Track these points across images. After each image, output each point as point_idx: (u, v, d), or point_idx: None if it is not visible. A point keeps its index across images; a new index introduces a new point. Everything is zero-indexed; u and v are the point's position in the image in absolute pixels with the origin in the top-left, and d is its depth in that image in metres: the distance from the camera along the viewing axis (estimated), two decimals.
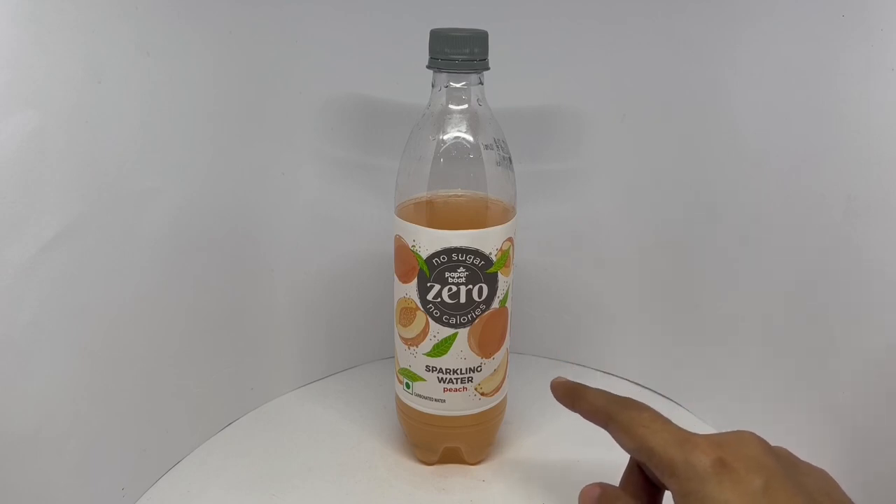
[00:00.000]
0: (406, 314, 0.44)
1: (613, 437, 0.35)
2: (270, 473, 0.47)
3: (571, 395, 0.38)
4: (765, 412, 0.47)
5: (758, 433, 0.33)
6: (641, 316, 0.56)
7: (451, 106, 0.42)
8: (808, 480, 0.32)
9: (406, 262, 0.43)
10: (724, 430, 0.34)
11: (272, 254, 0.51)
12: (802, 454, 0.34)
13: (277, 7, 0.47)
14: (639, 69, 0.51)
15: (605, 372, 0.59)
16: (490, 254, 0.42)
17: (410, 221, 0.42)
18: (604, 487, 0.36)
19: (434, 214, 0.43)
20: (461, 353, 0.44)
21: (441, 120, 0.42)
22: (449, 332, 0.43)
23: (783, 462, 0.32)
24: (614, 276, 0.57)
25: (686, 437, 0.32)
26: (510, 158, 0.44)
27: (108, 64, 0.37)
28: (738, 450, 0.31)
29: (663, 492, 0.36)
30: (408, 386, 0.46)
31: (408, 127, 0.44)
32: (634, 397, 0.37)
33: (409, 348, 0.45)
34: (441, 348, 0.44)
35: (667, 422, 0.34)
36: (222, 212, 0.47)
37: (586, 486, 0.36)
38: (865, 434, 0.41)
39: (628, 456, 0.37)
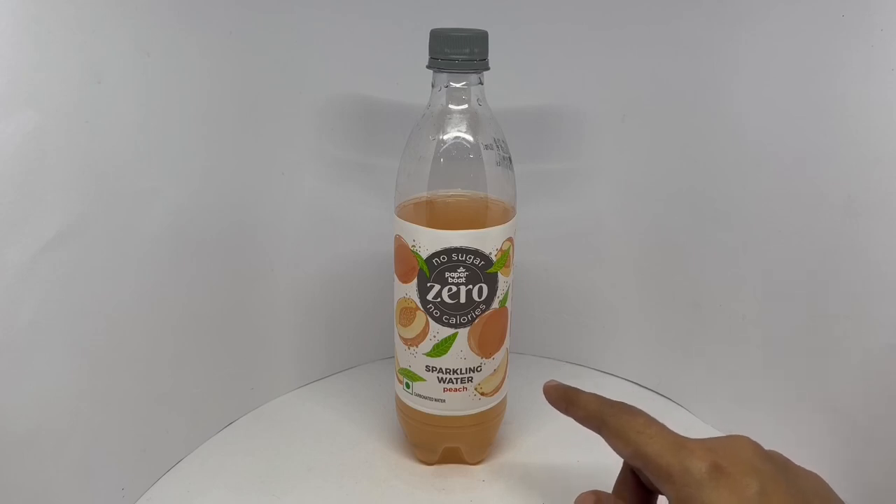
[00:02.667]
0: (406, 314, 0.44)
1: (607, 442, 0.35)
2: (270, 473, 0.47)
3: (564, 400, 0.38)
4: (765, 413, 0.47)
5: (757, 434, 0.33)
6: (641, 316, 0.56)
7: (451, 106, 0.42)
8: (803, 484, 0.32)
9: (406, 262, 0.43)
10: (724, 431, 0.34)
11: (272, 254, 0.51)
12: (802, 454, 0.34)
13: (277, 7, 0.47)
14: (639, 69, 0.51)
15: (604, 372, 0.59)
16: (490, 254, 0.42)
17: (410, 221, 0.42)
18: (598, 495, 0.36)
19: (434, 214, 0.43)
20: (461, 353, 0.44)
21: (441, 120, 0.42)
22: (449, 332, 0.43)
23: (777, 466, 0.32)
24: (614, 276, 0.57)
25: (681, 443, 0.32)
26: (510, 158, 0.44)
27: (108, 64, 0.37)
28: (733, 454, 0.31)
29: (657, 496, 0.36)
30: (408, 386, 0.46)
31: (408, 127, 0.44)
32: (634, 397, 0.36)
33: (409, 348, 0.45)
34: (441, 348, 0.44)
35: (661, 427, 0.34)
36: (222, 212, 0.47)
37: (581, 495, 0.36)
38: (865, 434, 0.41)
39: None
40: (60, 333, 0.36)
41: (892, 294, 0.39)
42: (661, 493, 0.33)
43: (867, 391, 0.41)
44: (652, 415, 0.35)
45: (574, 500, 0.36)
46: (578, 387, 0.39)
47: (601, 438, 0.36)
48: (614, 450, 0.35)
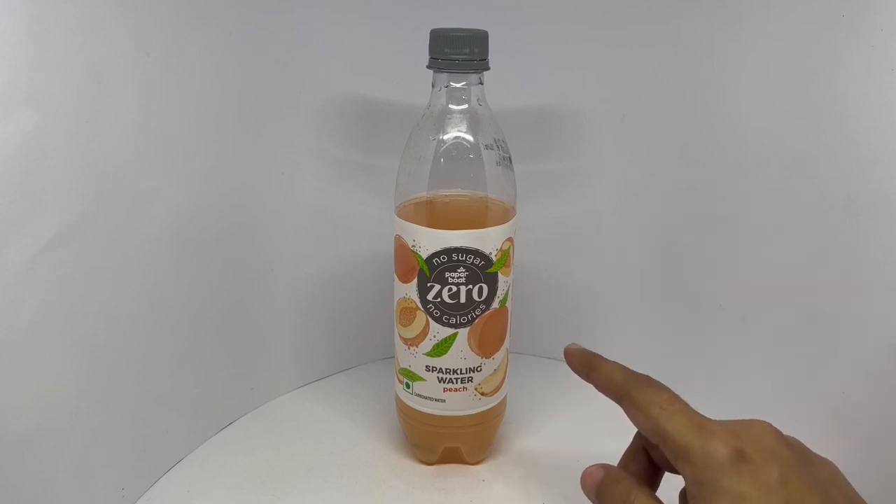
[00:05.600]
0: (406, 314, 0.44)
1: (627, 414, 0.34)
2: (270, 473, 0.47)
3: (587, 366, 0.37)
4: (765, 412, 0.47)
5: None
6: (642, 316, 0.56)
7: (451, 106, 0.42)
8: (821, 473, 0.32)
9: (406, 262, 0.43)
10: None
11: (272, 254, 0.51)
12: None
13: (277, 7, 0.47)
14: (639, 69, 0.51)
15: None
16: (490, 254, 0.42)
17: (410, 221, 0.42)
18: (606, 469, 0.35)
19: (434, 214, 0.43)
20: (461, 353, 0.44)
21: (441, 120, 0.42)
22: (449, 332, 0.43)
23: (797, 454, 0.31)
24: (614, 276, 0.57)
25: (703, 424, 0.31)
26: (510, 158, 0.44)
27: (108, 64, 0.37)
28: (755, 440, 0.31)
29: (663, 473, 0.35)
30: (408, 386, 0.46)
31: (408, 127, 0.44)
32: None
33: (409, 348, 0.45)
34: (441, 348, 0.44)
35: (684, 405, 0.33)
36: (222, 212, 0.47)
37: (588, 468, 0.35)
38: (865, 434, 0.41)
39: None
40: (60, 333, 0.36)
41: (892, 294, 0.39)
42: (676, 472, 0.32)
43: (867, 391, 0.41)
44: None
45: (581, 474, 0.36)
46: (579, 387, 0.38)
47: (601, 439, 0.36)
48: (633, 422, 0.34)
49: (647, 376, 0.35)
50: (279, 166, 0.50)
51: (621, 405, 0.34)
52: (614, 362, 0.36)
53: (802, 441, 0.33)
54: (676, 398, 0.33)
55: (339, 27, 0.50)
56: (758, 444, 0.30)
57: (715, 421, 0.32)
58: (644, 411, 0.33)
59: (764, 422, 0.32)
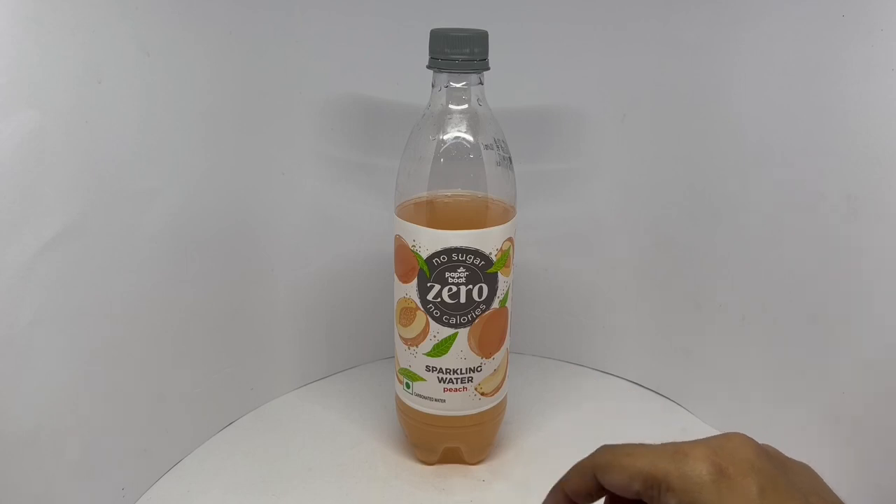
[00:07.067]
0: (406, 314, 0.44)
1: (605, 484, 0.33)
2: (270, 473, 0.47)
3: (556, 495, 0.35)
4: (765, 412, 0.47)
5: (756, 434, 0.33)
6: (641, 316, 0.56)
7: (451, 106, 0.42)
8: (800, 481, 0.32)
9: (406, 262, 0.43)
10: (724, 430, 0.34)
11: (272, 254, 0.51)
12: (802, 454, 0.34)
13: (277, 7, 0.47)
14: (639, 69, 0.51)
15: (604, 372, 0.59)
16: (490, 254, 0.42)
17: (411, 221, 0.42)
18: None
19: (434, 214, 0.43)
20: (461, 353, 0.44)
21: (441, 120, 0.42)
22: (449, 332, 0.43)
23: (775, 463, 0.32)
24: (614, 276, 0.57)
25: (675, 448, 0.32)
26: (510, 158, 0.44)
27: (108, 64, 0.37)
28: (731, 454, 0.31)
29: None
30: (408, 386, 0.46)
31: (408, 127, 0.44)
32: (634, 397, 0.36)
33: (409, 348, 0.45)
34: (441, 348, 0.44)
35: (649, 444, 0.33)
36: (222, 212, 0.47)
37: None
38: (866, 434, 0.41)
39: None
40: (60, 333, 0.36)
41: (892, 294, 0.39)
42: None
43: (867, 391, 0.41)
44: (652, 415, 0.34)
45: None
46: (579, 387, 0.38)
47: (601, 439, 0.36)
48: (614, 487, 0.32)
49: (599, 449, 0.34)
50: (279, 166, 0.50)
51: (597, 478, 0.33)
52: (567, 474, 0.34)
53: (803, 441, 0.33)
54: (638, 443, 0.33)
55: (339, 27, 0.50)
56: (734, 458, 0.30)
57: (687, 442, 0.32)
58: (616, 466, 0.32)
59: (738, 434, 0.32)
